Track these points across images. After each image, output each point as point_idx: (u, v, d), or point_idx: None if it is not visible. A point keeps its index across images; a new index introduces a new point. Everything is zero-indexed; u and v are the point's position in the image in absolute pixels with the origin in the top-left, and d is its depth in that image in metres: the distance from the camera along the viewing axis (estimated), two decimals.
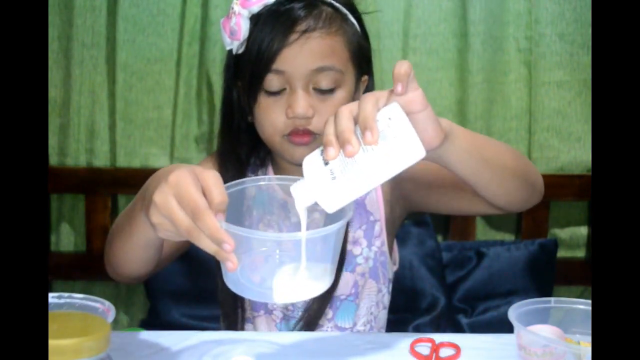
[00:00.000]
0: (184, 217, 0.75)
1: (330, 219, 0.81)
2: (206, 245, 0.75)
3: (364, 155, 0.75)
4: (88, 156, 1.78)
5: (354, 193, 0.76)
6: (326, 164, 0.76)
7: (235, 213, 0.84)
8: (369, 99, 0.78)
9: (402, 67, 0.79)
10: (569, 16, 1.73)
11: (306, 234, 0.79)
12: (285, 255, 0.83)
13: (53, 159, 1.78)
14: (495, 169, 0.96)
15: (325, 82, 1.04)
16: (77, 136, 1.77)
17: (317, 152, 0.79)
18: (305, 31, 1.02)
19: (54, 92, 1.76)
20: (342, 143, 0.75)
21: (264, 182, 0.90)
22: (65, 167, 1.77)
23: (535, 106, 1.75)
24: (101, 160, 1.78)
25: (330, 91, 1.05)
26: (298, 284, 0.81)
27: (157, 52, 1.75)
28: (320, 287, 0.82)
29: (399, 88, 0.79)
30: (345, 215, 0.79)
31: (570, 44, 1.74)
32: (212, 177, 0.77)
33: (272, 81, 1.03)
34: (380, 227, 1.16)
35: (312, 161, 0.78)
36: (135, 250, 0.95)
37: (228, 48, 1.08)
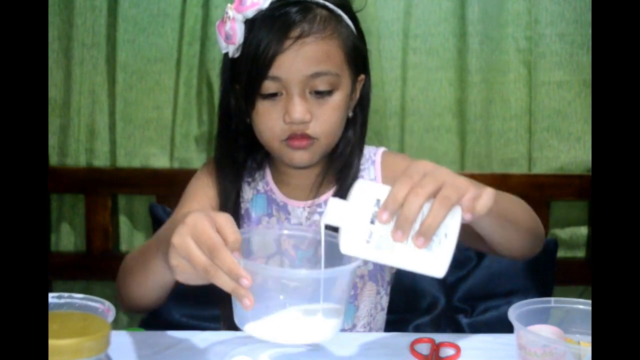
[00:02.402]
0: (201, 256, 0.77)
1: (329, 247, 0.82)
2: (224, 283, 0.77)
3: (402, 245, 0.76)
4: (88, 156, 1.78)
5: (371, 258, 0.78)
6: (372, 222, 0.76)
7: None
8: (448, 203, 0.76)
9: (484, 204, 0.79)
10: (569, 16, 1.73)
11: (324, 272, 0.81)
12: (299, 292, 0.82)
13: (53, 159, 1.78)
14: (512, 229, 0.98)
15: (321, 87, 1.04)
16: (77, 136, 1.77)
17: (372, 193, 0.77)
18: (299, 37, 1.02)
19: (54, 92, 1.76)
20: (398, 224, 0.75)
21: (273, 231, 0.94)
22: (65, 167, 1.78)
23: (535, 106, 1.75)
24: (101, 160, 1.78)
25: (328, 94, 1.05)
26: (311, 324, 0.81)
27: (157, 52, 1.75)
28: (331, 329, 0.82)
29: (469, 217, 0.79)
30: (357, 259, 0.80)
31: (570, 44, 1.74)
32: (225, 217, 0.80)
33: (268, 87, 1.04)
34: None
35: (362, 201, 0.77)
36: (151, 289, 0.97)
37: (224, 51, 1.08)
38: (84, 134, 1.77)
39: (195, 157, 1.78)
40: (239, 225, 1.14)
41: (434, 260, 0.77)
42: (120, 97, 1.75)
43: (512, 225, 0.98)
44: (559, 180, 1.76)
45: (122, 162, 1.78)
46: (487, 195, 0.79)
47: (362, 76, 1.12)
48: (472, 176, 1.71)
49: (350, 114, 1.12)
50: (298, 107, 1.03)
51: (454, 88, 1.76)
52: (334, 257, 0.82)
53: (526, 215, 1.04)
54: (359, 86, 1.12)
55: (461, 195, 0.77)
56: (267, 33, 1.02)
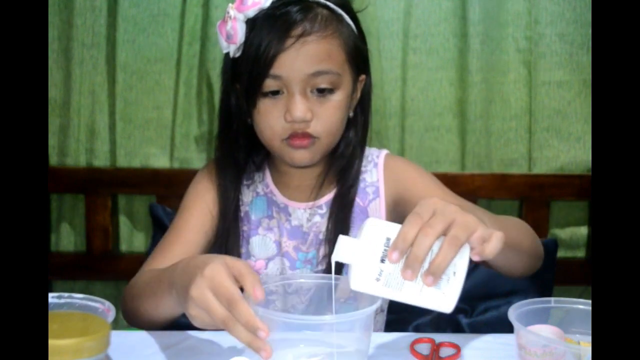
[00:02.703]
0: (219, 308, 0.78)
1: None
2: (241, 335, 0.78)
3: (411, 282, 0.77)
4: (88, 156, 1.78)
5: (380, 295, 0.79)
6: (382, 261, 0.77)
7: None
8: (457, 243, 0.77)
9: (493, 248, 0.79)
10: (569, 16, 1.73)
11: (336, 317, 0.82)
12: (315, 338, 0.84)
13: (53, 159, 1.78)
14: (516, 256, 1.00)
15: (323, 84, 1.04)
16: (77, 136, 1.77)
17: (383, 232, 0.78)
18: (301, 35, 1.02)
19: (54, 92, 1.76)
20: (408, 263, 0.76)
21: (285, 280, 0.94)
22: (65, 167, 1.77)
23: (535, 106, 1.75)
24: (101, 160, 1.78)
25: (329, 92, 1.05)
26: None
27: (157, 52, 1.75)
28: None
29: (477, 259, 0.80)
30: (375, 301, 0.81)
31: (570, 44, 1.74)
32: (243, 265, 0.82)
33: (269, 85, 1.04)
34: None
35: (372, 240, 0.78)
36: (161, 317, 0.99)
37: (225, 51, 1.08)
38: (84, 134, 1.77)
39: (195, 157, 1.78)
40: (239, 227, 1.14)
41: (442, 297, 0.79)
42: (120, 97, 1.75)
43: (517, 252, 0.99)
44: (559, 180, 1.76)
45: (122, 162, 1.77)
46: (497, 239, 0.79)
47: (363, 76, 1.12)
48: (472, 176, 1.73)
49: (351, 114, 1.12)
50: (299, 105, 1.03)
51: (454, 88, 1.76)
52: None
53: (530, 241, 1.05)
54: (359, 86, 1.12)
55: (470, 234, 0.78)
56: (268, 32, 1.02)
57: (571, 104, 1.76)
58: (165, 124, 1.77)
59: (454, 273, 0.78)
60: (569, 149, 1.77)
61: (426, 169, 1.21)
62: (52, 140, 1.78)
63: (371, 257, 0.77)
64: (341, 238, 0.79)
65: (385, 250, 0.77)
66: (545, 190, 1.76)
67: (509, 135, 1.76)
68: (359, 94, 1.13)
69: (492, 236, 0.79)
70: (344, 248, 0.78)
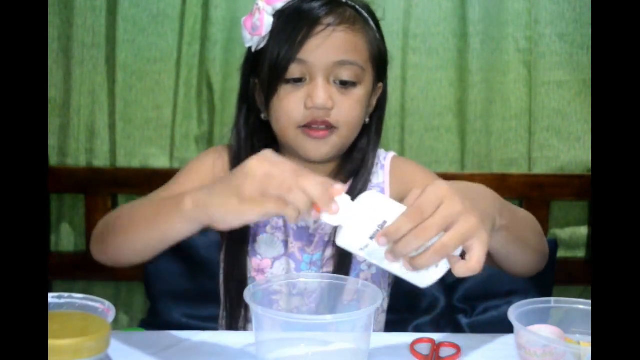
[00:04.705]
0: (284, 172, 0.78)
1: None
2: (313, 189, 0.77)
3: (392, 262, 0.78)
4: (88, 156, 1.78)
5: (362, 258, 0.81)
6: (371, 238, 0.77)
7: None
8: (445, 252, 0.77)
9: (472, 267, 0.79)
10: (569, 16, 1.73)
11: (337, 317, 0.82)
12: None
13: (53, 159, 1.78)
14: (522, 250, 0.99)
15: (346, 77, 1.05)
16: (77, 136, 1.77)
17: (381, 212, 0.78)
18: (330, 24, 1.04)
19: (54, 92, 1.76)
20: (393, 252, 0.76)
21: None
22: (65, 167, 1.78)
23: (535, 106, 1.76)
24: (101, 160, 1.78)
25: (351, 85, 1.06)
26: None
27: (157, 52, 1.75)
28: None
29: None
30: (376, 300, 0.83)
31: (570, 44, 1.74)
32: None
33: (293, 71, 1.05)
34: None
35: (369, 215, 0.78)
36: (152, 243, 0.95)
37: (248, 45, 1.09)
38: (84, 134, 1.77)
39: (195, 157, 1.77)
40: (245, 227, 1.13)
41: (419, 278, 0.81)
42: (120, 97, 1.75)
43: (523, 246, 0.99)
44: (559, 180, 1.76)
45: (122, 162, 1.77)
46: (479, 257, 0.78)
47: (381, 84, 1.13)
48: (472, 176, 1.73)
49: (367, 120, 1.12)
50: (322, 92, 1.03)
51: (454, 88, 1.76)
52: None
53: (537, 237, 1.04)
54: (376, 93, 1.13)
55: (463, 242, 0.77)
56: (298, 19, 1.04)
57: (571, 104, 1.76)
58: (165, 124, 1.77)
59: (436, 266, 0.79)
60: (569, 149, 1.77)
61: None
62: (52, 140, 1.78)
63: (362, 231, 0.77)
64: (341, 198, 0.78)
65: (377, 230, 0.77)
66: (545, 190, 1.76)
67: (509, 135, 1.77)
68: (375, 102, 1.13)
69: (479, 251, 0.77)
70: (341, 209, 0.78)
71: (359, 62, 1.06)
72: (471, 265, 0.77)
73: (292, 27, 1.04)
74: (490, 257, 1.01)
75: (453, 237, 0.76)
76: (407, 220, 0.76)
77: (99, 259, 1.06)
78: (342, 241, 0.79)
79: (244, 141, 1.14)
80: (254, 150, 1.14)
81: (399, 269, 0.79)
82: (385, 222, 0.77)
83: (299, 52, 1.03)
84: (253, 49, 1.08)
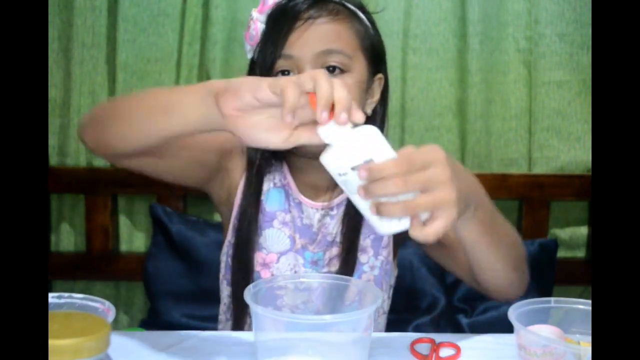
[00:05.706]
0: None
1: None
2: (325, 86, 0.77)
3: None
4: (88, 156, 1.78)
5: (337, 182, 0.81)
6: (353, 169, 0.78)
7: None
8: (413, 211, 0.77)
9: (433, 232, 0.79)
10: (569, 16, 1.73)
11: (337, 317, 0.82)
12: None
13: (53, 159, 1.78)
14: (493, 251, 0.98)
15: (332, 63, 1.06)
16: (77, 136, 1.77)
17: (372, 149, 0.78)
18: (310, 17, 1.06)
19: (54, 92, 1.76)
20: (367, 190, 0.77)
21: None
22: (65, 167, 1.77)
23: (535, 106, 1.75)
24: (101, 161, 1.78)
25: (340, 72, 1.06)
26: None
27: (157, 52, 1.75)
28: None
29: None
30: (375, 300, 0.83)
31: (570, 44, 1.74)
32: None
33: (281, 65, 1.06)
34: (388, 238, 1.16)
35: (360, 148, 0.78)
36: (154, 135, 0.95)
37: (249, 56, 1.12)
38: None
39: None
40: (255, 218, 1.14)
41: (380, 224, 0.80)
42: None
43: (495, 251, 0.97)
44: (559, 180, 1.76)
45: None
46: (437, 228, 0.78)
47: (380, 75, 1.13)
48: None
49: (369, 112, 1.12)
50: None
51: (454, 88, 1.76)
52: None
53: (516, 253, 1.03)
54: (378, 85, 1.13)
55: (433, 209, 0.78)
56: (282, 17, 1.06)
57: (571, 104, 1.76)
58: None
59: (399, 219, 0.79)
60: (569, 149, 1.77)
61: None
62: (52, 140, 1.78)
63: (348, 158, 0.78)
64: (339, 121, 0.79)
65: (361, 164, 0.77)
66: (545, 190, 1.76)
67: (509, 135, 1.76)
68: (377, 94, 1.13)
69: (440, 219, 0.78)
70: (335, 131, 0.78)
71: (345, 50, 1.06)
72: (427, 231, 0.78)
73: (277, 26, 1.06)
74: (468, 269, 1.03)
75: (427, 200, 0.77)
76: (393, 165, 0.76)
77: (91, 145, 1.08)
78: (325, 160, 0.80)
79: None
80: (263, 154, 1.15)
81: (365, 208, 0.79)
82: (372, 159, 0.77)
83: (284, 48, 1.05)
84: (253, 59, 1.11)
